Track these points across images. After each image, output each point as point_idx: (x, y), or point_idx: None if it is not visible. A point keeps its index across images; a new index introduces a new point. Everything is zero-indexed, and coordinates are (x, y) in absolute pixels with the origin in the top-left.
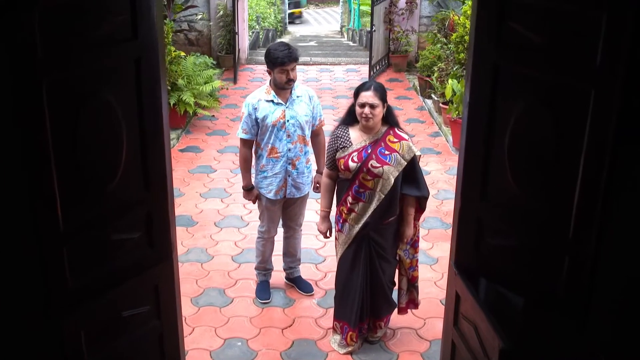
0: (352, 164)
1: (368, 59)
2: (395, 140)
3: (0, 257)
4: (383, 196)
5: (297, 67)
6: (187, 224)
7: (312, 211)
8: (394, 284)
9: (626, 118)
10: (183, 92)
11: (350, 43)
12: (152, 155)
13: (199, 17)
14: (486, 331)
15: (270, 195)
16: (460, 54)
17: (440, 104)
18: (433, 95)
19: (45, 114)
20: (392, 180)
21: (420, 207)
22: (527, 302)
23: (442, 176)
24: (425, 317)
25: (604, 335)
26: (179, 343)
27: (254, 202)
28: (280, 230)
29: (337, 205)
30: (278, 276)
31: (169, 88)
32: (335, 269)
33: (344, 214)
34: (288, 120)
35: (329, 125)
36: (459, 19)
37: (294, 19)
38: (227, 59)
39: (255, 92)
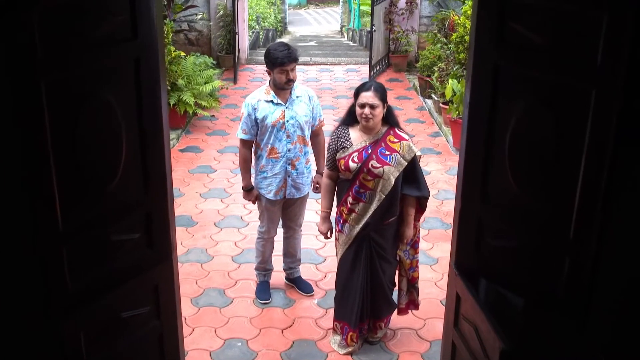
0: (352, 165)
1: (368, 59)
2: (396, 140)
3: (0, 258)
4: (383, 196)
5: (297, 67)
6: (187, 224)
7: (312, 211)
8: (395, 285)
9: (627, 118)
10: (183, 92)
11: (351, 43)
12: (152, 155)
13: (199, 17)
14: (487, 332)
15: (270, 196)
16: (461, 54)
17: (441, 104)
18: (433, 95)
19: (44, 114)
20: (393, 180)
21: (421, 207)
22: (527, 302)
23: (442, 176)
24: (425, 318)
25: (604, 335)
26: (179, 344)
27: (254, 203)
28: (280, 231)
29: (338, 206)
30: (278, 276)
31: (169, 88)
32: (335, 269)
33: (344, 215)
34: (288, 121)
35: (329, 126)
36: (459, 19)
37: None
38: (227, 59)
39: (254, 93)
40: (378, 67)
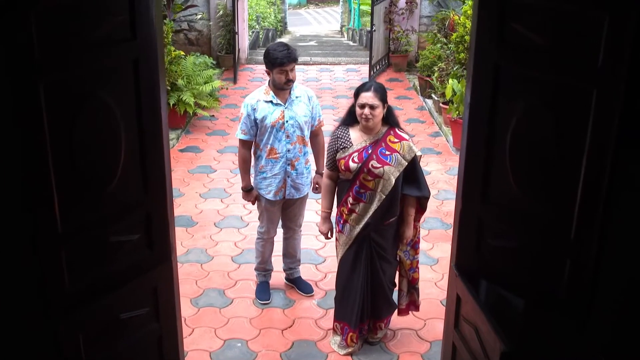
0: (352, 165)
1: (368, 58)
2: (396, 140)
3: None
4: (384, 197)
5: (297, 67)
6: (187, 225)
7: (312, 212)
8: (395, 285)
9: (628, 119)
10: (183, 92)
11: (351, 43)
12: (151, 156)
13: (199, 16)
14: (487, 333)
15: (270, 196)
16: (461, 53)
17: (441, 104)
18: (433, 95)
19: (43, 115)
20: (393, 180)
21: (421, 208)
22: (528, 303)
23: (442, 176)
24: (425, 318)
25: (604, 336)
26: (178, 344)
27: (253, 203)
28: (280, 231)
29: (338, 206)
30: (278, 277)
31: (169, 88)
32: (335, 269)
33: (344, 215)
34: (287, 121)
35: (329, 126)
36: (459, 19)
37: None
38: (227, 59)
39: (254, 93)
40: (378, 67)
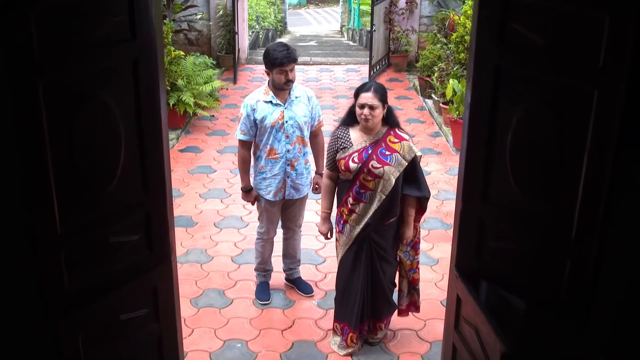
0: (352, 165)
1: (368, 58)
2: (396, 140)
3: None
4: (384, 197)
5: (297, 67)
6: (187, 225)
7: (312, 212)
8: (395, 285)
9: (629, 120)
10: (183, 92)
11: (350, 43)
12: (151, 156)
13: (199, 16)
14: (487, 334)
15: (269, 197)
16: (461, 54)
17: (441, 104)
18: (433, 95)
19: (42, 115)
20: (393, 180)
21: (421, 208)
22: (528, 304)
23: (442, 176)
24: (425, 319)
25: (605, 337)
26: (178, 345)
27: (253, 204)
28: (280, 232)
29: (338, 207)
30: (278, 277)
31: (169, 88)
32: (335, 270)
33: (344, 215)
34: (287, 121)
35: (329, 126)
36: (459, 19)
37: None
38: (226, 59)
39: (253, 93)
40: (378, 67)
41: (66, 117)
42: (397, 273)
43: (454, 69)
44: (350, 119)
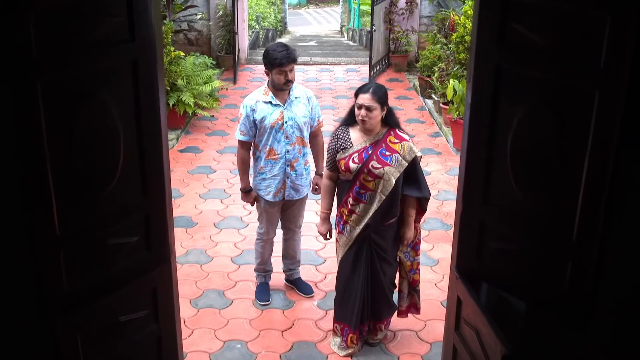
0: (352, 165)
1: (368, 58)
2: (396, 141)
3: None
4: (384, 197)
5: (297, 67)
6: (187, 225)
7: (312, 212)
8: (395, 286)
9: (630, 121)
10: (182, 92)
11: (350, 43)
12: (150, 157)
13: (199, 17)
14: (488, 336)
15: (269, 197)
16: (461, 54)
17: (441, 104)
18: (433, 96)
19: (41, 115)
20: (393, 181)
21: (421, 209)
22: (529, 306)
23: (442, 177)
24: (425, 319)
25: (606, 339)
26: (178, 347)
27: (253, 204)
28: (280, 232)
29: (338, 207)
30: (278, 278)
31: (169, 88)
32: (335, 270)
33: (344, 216)
34: (286, 122)
35: (329, 126)
36: (460, 19)
37: None
38: (226, 59)
39: (253, 94)
40: (378, 67)
41: (65, 118)
42: (397, 274)
43: (454, 69)
44: (350, 119)
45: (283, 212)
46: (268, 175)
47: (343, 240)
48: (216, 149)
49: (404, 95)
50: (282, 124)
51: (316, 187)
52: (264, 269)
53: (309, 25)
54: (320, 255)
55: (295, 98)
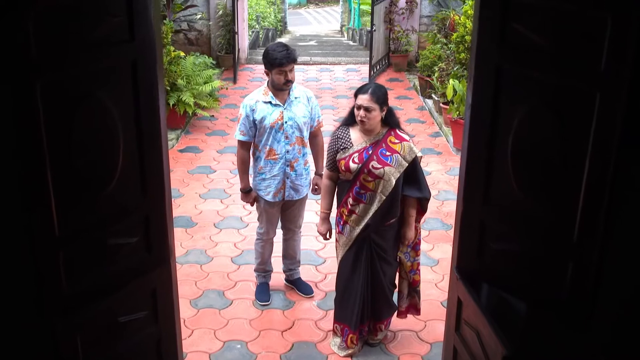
0: (352, 165)
1: (368, 58)
2: (397, 141)
3: None
4: (384, 198)
5: (297, 67)
6: (186, 225)
7: (312, 212)
8: (395, 286)
9: (632, 121)
10: (182, 92)
11: (351, 42)
12: (150, 158)
13: (199, 16)
14: (489, 337)
15: (269, 198)
16: (461, 53)
17: (441, 104)
18: (433, 95)
19: (40, 115)
20: (393, 181)
21: (422, 209)
22: (530, 307)
23: (442, 177)
24: (426, 320)
25: (607, 340)
26: (177, 347)
27: (252, 205)
28: (280, 232)
29: (338, 207)
30: (278, 278)
31: (169, 88)
32: (335, 270)
33: (344, 216)
34: (286, 122)
35: (329, 126)
36: (460, 19)
37: None
38: (226, 59)
39: (252, 94)
40: (378, 67)
41: (64, 118)
42: (397, 274)
43: (454, 69)
44: (351, 119)
45: (283, 212)
46: (268, 176)
47: (343, 241)
48: (216, 148)
49: (404, 95)
50: (282, 124)
51: (316, 187)
52: (264, 269)
53: (309, 25)
54: (320, 255)
55: (295, 98)
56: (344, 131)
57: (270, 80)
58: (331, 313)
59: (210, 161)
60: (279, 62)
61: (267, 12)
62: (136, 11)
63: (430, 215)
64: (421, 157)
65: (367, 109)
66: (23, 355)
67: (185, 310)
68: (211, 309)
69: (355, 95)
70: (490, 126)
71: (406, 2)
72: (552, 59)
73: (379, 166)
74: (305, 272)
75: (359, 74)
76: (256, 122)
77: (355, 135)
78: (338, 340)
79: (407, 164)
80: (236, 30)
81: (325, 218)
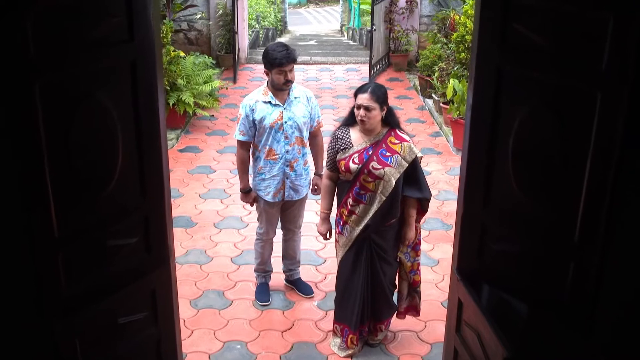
0: (352, 166)
1: (368, 58)
2: (397, 141)
3: None
4: (384, 198)
5: (297, 66)
6: (186, 225)
7: (312, 212)
8: (395, 287)
9: (633, 121)
10: (182, 92)
11: (351, 42)
12: (149, 158)
13: (199, 16)
14: (489, 339)
15: (268, 198)
16: (461, 53)
17: (441, 104)
18: (434, 95)
19: (38, 115)
20: (394, 182)
21: (422, 209)
22: (531, 308)
23: (442, 177)
24: (426, 320)
25: (608, 341)
26: (177, 348)
27: (252, 205)
28: (280, 232)
29: (338, 207)
30: (278, 278)
31: (168, 88)
32: (335, 270)
33: (344, 216)
34: (286, 122)
35: (329, 126)
36: (460, 19)
37: None
38: (226, 59)
39: (252, 94)
40: (378, 67)
41: (63, 118)
42: (397, 275)
43: (455, 68)
44: (351, 119)
45: (283, 213)
46: (267, 176)
47: (343, 241)
48: (216, 148)
49: (404, 95)
50: (282, 124)
51: (315, 187)
52: (263, 269)
53: (309, 24)
54: (320, 255)
55: (295, 98)
56: (344, 131)
57: (270, 80)
58: (331, 313)
59: (210, 161)
60: (279, 62)
61: (267, 11)
62: (135, 11)
63: (431, 215)
64: (421, 157)
65: (367, 109)
66: (22, 356)
67: (185, 311)
68: (211, 309)
69: (355, 95)
70: (490, 127)
71: (406, 2)
72: (553, 59)
73: (379, 167)
74: (305, 273)
75: (359, 73)
76: (256, 122)
77: (355, 135)
78: (338, 340)
79: (407, 165)
80: (236, 30)
81: (325, 218)
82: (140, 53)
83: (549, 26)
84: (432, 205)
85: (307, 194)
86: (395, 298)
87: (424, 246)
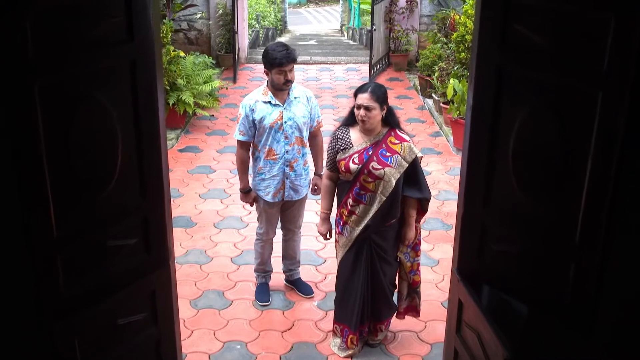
0: (352, 166)
1: (368, 58)
2: (397, 141)
3: None
4: (384, 198)
5: (297, 66)
6: (186, 225)
7: (312, 212)
8: (395, 287)
9: (634, 122)
10: (182, 91)
11: (351, 42)
12: (149, 158)
13: (199, 16)
14: (490, 339)
15: (268, 198)
16: (461, 53)
17: (441, 104)
18: (434, 95)
19: (38, 116)
20: (394, 182)
21: (422, 209)
22: (531, 309)
23: (443, 177)
24: (426, 320)
25: (609, 342)
26: (177, 349)
27: (252, 205)
28: (280, 232)
29: (338, 208)
30: (278, 278)
31: (168, 88)
32: (335, 270)
33: (344, 217)
34: (286, 122)
35: (329, 126)
36: (460, 18)
37: None
38: (226, 58)
39: (252, 93)
40: (378, 66)
41: (63, 119)
42: (397, 275)
43: (455, 68)
44: (351, 119)
45: (282, 213)
46: (267, 176)
47: (343, 241)
48: (216, 148)
49: (404, 95)
50: (282, 124)
51: (315, 187)
52: (263, 270)
53: (309, 24)
54: (320, 255)
55: (295, 98)
56: (344, 131)
57: (269, 80)
58: (331, 313)
59: (210, 161)
60: (279, 62)
61: (267, 11)
62: (135, 11)
63: (431, 215)
64: (421, 157)
65: (367, 108)
66: (22, 357)
67: (185, 311)
68: (211, 310)
69: (355, 95)
70: (491, 127)
71: (406, 2)
72: (553, 60)
73: (379, 167)
74: (305, 273)
75: (359, 73)
76: (255, 122)
77: (355, 135)
78: (338, 340)
79: (407, 165)
80: (236, 30)
81: (326, 218)
82: (140, 53)
83: (549, 26)
84: (432, 205)
85: (307, 194)
86: (395, 298)
87: (424, 246)
